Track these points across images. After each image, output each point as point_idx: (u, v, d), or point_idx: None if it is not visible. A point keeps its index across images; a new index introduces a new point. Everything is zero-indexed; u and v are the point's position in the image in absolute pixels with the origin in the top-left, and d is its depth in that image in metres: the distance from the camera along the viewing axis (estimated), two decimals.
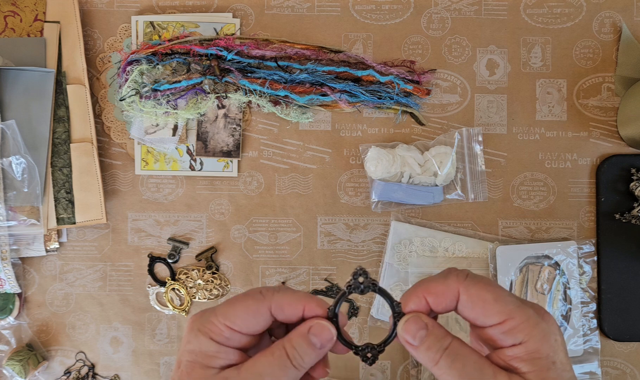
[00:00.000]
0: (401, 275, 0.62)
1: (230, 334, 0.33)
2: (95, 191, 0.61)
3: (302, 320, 0.35)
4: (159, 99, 0.61)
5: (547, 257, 0.62)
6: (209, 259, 0.63)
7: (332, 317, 0.35)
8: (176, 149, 0.63)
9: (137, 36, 0.63)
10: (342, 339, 0.35)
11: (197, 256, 0.64)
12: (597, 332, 0.62)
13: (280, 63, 0.62)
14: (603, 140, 0.64)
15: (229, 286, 0.64)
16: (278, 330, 0.37)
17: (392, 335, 0.35)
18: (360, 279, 0.36)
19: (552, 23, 0.64)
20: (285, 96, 0.62)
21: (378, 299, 0.62)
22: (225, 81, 0.61)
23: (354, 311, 0.63)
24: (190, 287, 0.63)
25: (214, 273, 0.63)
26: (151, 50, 0.61)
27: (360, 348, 0.36)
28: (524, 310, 0.31)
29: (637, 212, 0.62)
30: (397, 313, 0.35)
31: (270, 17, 0.64)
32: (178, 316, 0.64)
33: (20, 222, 0.59)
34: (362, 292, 0.36)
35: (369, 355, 0.36)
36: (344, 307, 0.63)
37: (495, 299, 0.31)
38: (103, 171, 0.63)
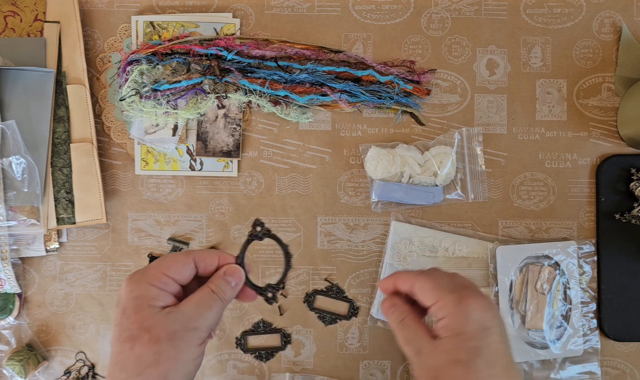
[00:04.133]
0: None
1: (166, 280, 0.42)
2: (95, 191, 0.61)
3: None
4: (159, 99, 0.61)
5: (547, 257, 0.62)
6: None
7: (241, 263, 0.45)
8: (176, 149, 0.63)
9: (137, 36, 0.63)
10: (249, 281, 0.45)
11: None
12: (597, 332, 0.62)
13: (280, 63, 0.62)
14: (603, 140, 0.64)
15: None
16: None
17: (286, 272, 0.45)
18: (258, 229, 0.45)
19: (552, 23, 0.64)
20: (285, 96, 0.62)
21: (378, 299, 0.62)
22: (225, 81, 0.61)
23: (353, 311, 0.63)
24: None
25: None
26: (151, 50, 0.61)
27: (262, 288, 0.45)
28: (449, 296, 0.42)
29: (637, 212, 0.62)
30: (288, 253, 0.46)
31: (270, 17, 0.64)
32: None
33: (20, 222, 0.59)
34: (260, 239, 0.45)
35: (270, 294, 0.45)
36: (343, 307, 0.63)
37: (433, 287, 0.43)
38: (103, 171, 0.63)
